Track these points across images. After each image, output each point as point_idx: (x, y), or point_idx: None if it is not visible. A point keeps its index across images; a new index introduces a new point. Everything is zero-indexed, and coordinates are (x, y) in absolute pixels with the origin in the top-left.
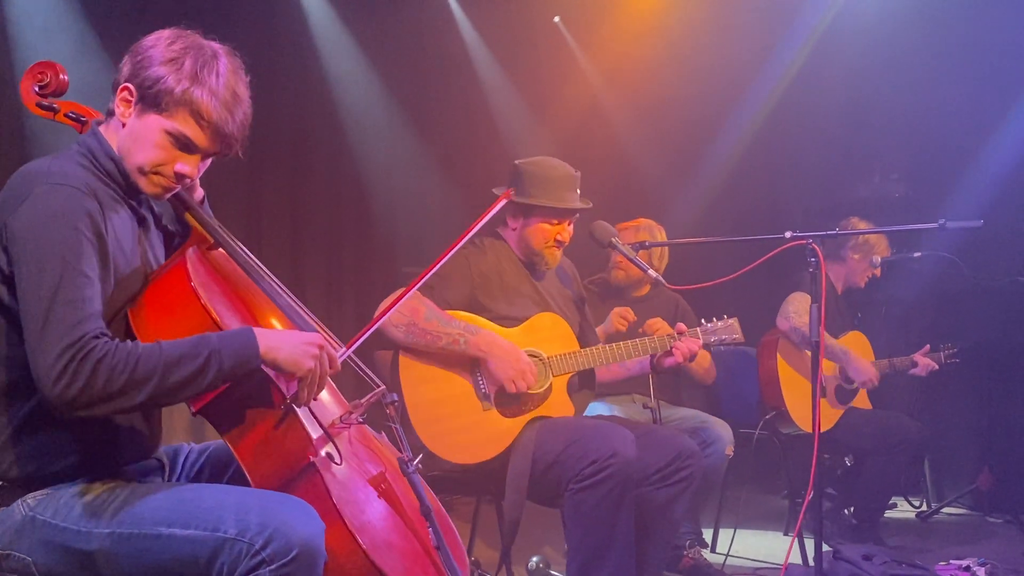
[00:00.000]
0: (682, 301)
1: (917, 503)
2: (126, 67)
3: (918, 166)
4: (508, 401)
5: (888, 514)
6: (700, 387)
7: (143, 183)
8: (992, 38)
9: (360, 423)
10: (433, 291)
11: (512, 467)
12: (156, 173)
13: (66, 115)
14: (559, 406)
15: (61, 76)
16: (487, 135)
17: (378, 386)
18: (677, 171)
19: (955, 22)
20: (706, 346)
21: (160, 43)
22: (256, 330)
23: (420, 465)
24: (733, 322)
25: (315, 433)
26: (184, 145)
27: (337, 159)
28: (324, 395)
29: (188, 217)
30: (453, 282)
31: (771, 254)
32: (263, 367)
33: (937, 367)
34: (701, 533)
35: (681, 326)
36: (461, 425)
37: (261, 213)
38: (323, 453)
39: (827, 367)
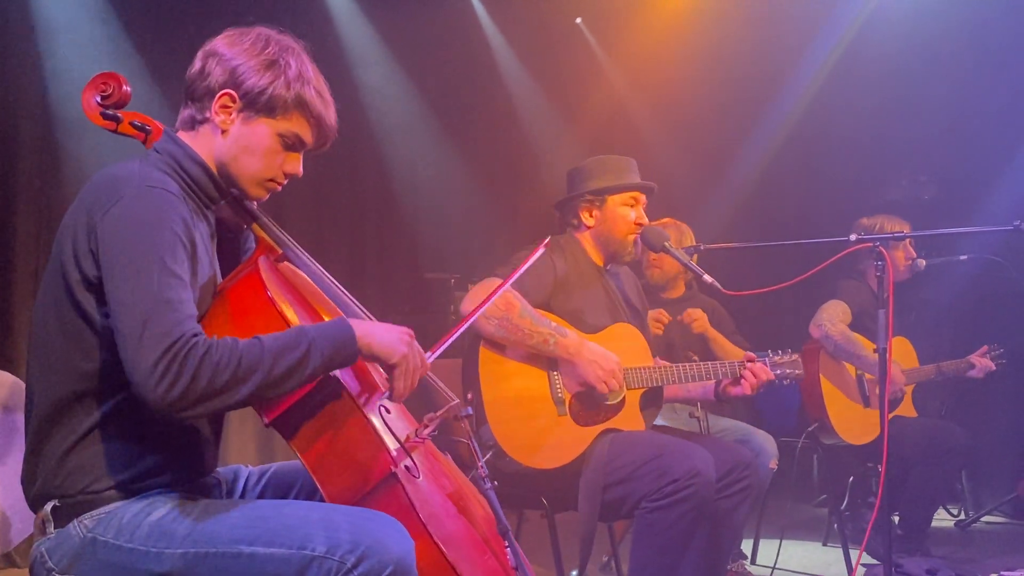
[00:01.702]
0: (717, 305)
1: (955, 511)
2: (217, 73)
3: (948, 168)
4: (582, 408)
5: None
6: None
7: (253, 190)
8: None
9: (430, 438)
10: (521, 286)
11: (585, 480)
12: (270, 180)
13: (131, 124)
14: (631, 420)
15: (124, 87)
16: (511, 137)
17: (452, 399)
18: (705, 173)
19: (985, 24)
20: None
21: (248, 46)
22: (349, 319)
23: (496, 483)
24: (797, 357)
25: (393, 445)
26: (292, 145)
27: (360, 163)
28: (395, 410)
29: (256, 229)
30: (537, 279)
31: (836, 257)
32: (359, 359)
33: (995, 368)
34: (739, 546)
35: (751, 355)
36: (535, 428)
37: (284, 217)
38: (403, 466)
39: (872, 378)
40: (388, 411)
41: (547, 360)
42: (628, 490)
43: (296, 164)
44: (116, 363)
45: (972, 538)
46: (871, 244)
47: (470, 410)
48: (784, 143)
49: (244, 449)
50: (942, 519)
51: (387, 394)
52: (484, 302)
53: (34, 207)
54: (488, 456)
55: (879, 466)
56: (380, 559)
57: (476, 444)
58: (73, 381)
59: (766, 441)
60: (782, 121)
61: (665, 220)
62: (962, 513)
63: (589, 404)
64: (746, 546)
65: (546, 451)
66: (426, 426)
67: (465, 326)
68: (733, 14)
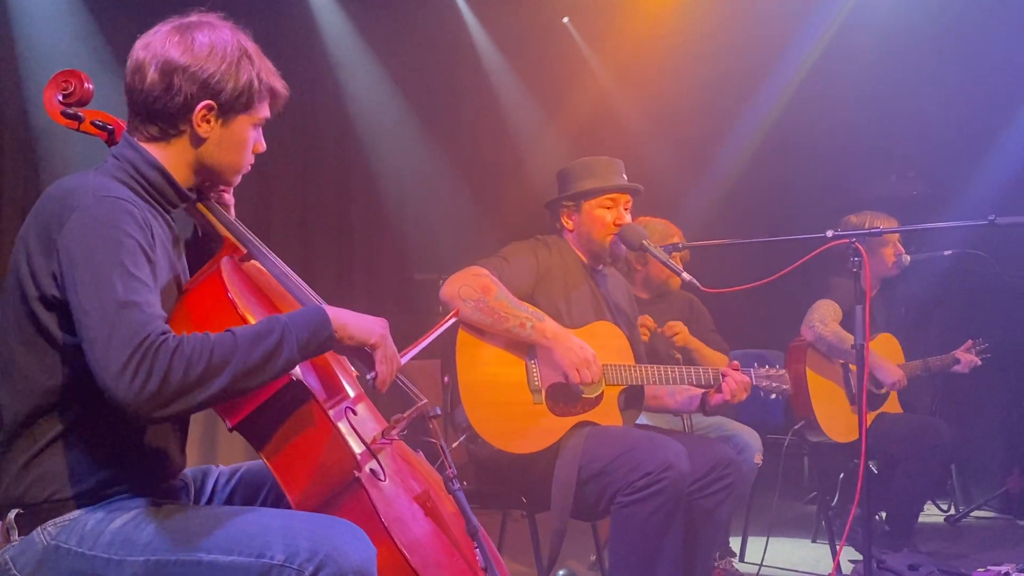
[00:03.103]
0: (696, 302)
1: (945, 507)
2: (187, 87)
3: (933, 163)
4: (559, 399)
5: None
6: None
7: (235, 179)
8: (1004, 36)
9: (400, 438)
10: (501, 273)
11: (558, 474)
12: (248, 165)
13: (92, 123)
14: (608, 415)
15: (86, 85)
16: (497, 136)
17: (421, 399)
18: (689, 171)
19: (966, 18)
20: (754, 388)
21: (208, 51)
22: (322, 305)
23: (465, 483)
24: (784, 373)
25: (358, 448)
26: (260, 126)
27: (347, 166)
28: (363, 411)
29: (220, 228)
30: (518, 270)
31: (812, 254)
32: (336, 342)
33: (980, 363)
34: (728, 543)
35: (735, 363)
36: (510, 413)
37: (271, 218)
38: (367, 469)
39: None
40: (355, 413)
41: (525, 348)
42: (603, 484)
43: (262, 142)
44: (77, 378)
45: (961, 533)
46: (847, 241)
47: (438, 410)
48: (769, 139)
49: (232, 451)
50: (932, 515)
51: (372, 380)
52: (416, 345)
53: (18, 212)
54: (462, 439)
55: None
56: (339, 568)
57: (445, 445)
58: (36, 396)
59: (751, 437)
60: (766, 116)
61: (647, 219)
62: (952, 508)
63: (566, 396)
64: (736, 544)
65: (520, 437)
66: (393, 427)
67: (416, 351)
68: (717, 10)
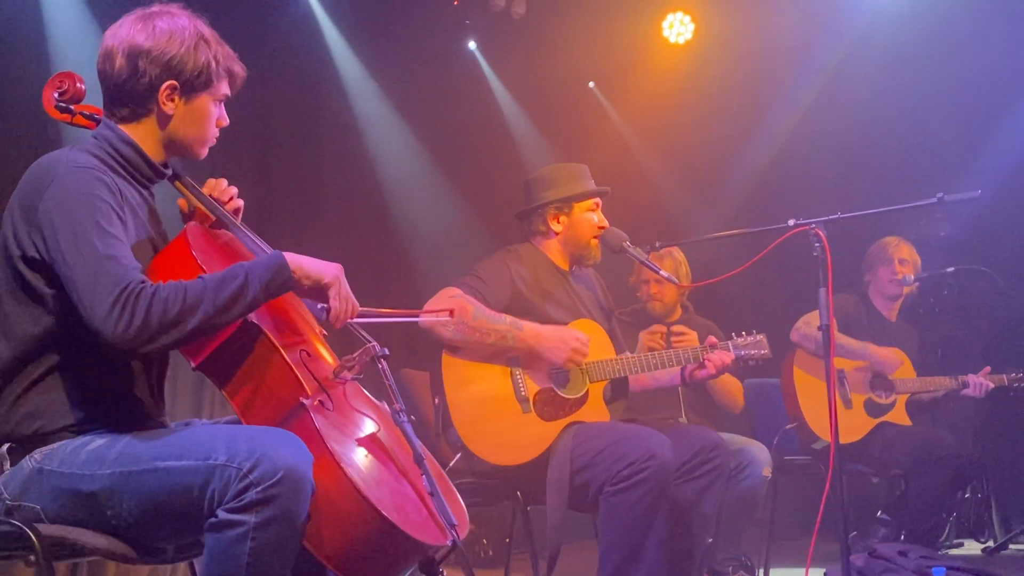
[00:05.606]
0: (714, 327)
1: (984, 539)
2: (151, 70)
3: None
4: (546, 405)
5: (954, 552)
6: (738, 418)
7: (202, 151)
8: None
9: (354, 379)
10: (477, 291)
11: (551, 472)
12: (212, 139)
13: (81, 114)
14: (595, 412)
15: (78, 84)
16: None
17: (370, 342)
18: (704, 208)
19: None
20: (736, 360)
21: (168, 37)
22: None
23: (413, 417)
24: (762, 338)
25: (310, 383)
26: (221, 102)
27: (380, 218)
28: (321, 357)
29: (192, 200)
30: (494, 286)
31: (776, 243)
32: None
33: (992, 386)
34: (747, 559)
35: (712, 339)
36: (501, 426)
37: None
38: (316, 400)
39: (856, 382)
40: (310, 356)
41: (508, 360)
42: (590, 476)
43: (225, 117)
44: (59, 326)
45: (998, 563)
46: (808, 227)
47: (387, 351)
48: (780, 168)
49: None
50: (971, 549)
51: (325, 315)
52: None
53: None
54: (457, 458)
55: (890, 479)
56: (273, 464)
57: (393, 383)
58: (24, 342)
59: (758, 450)
60: (779, 138)
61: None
62: (991, 541)
63: (553, 401)
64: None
65: (513, 448)
66: (343, 367)
67: (364, 321)
68: (722, 59)
